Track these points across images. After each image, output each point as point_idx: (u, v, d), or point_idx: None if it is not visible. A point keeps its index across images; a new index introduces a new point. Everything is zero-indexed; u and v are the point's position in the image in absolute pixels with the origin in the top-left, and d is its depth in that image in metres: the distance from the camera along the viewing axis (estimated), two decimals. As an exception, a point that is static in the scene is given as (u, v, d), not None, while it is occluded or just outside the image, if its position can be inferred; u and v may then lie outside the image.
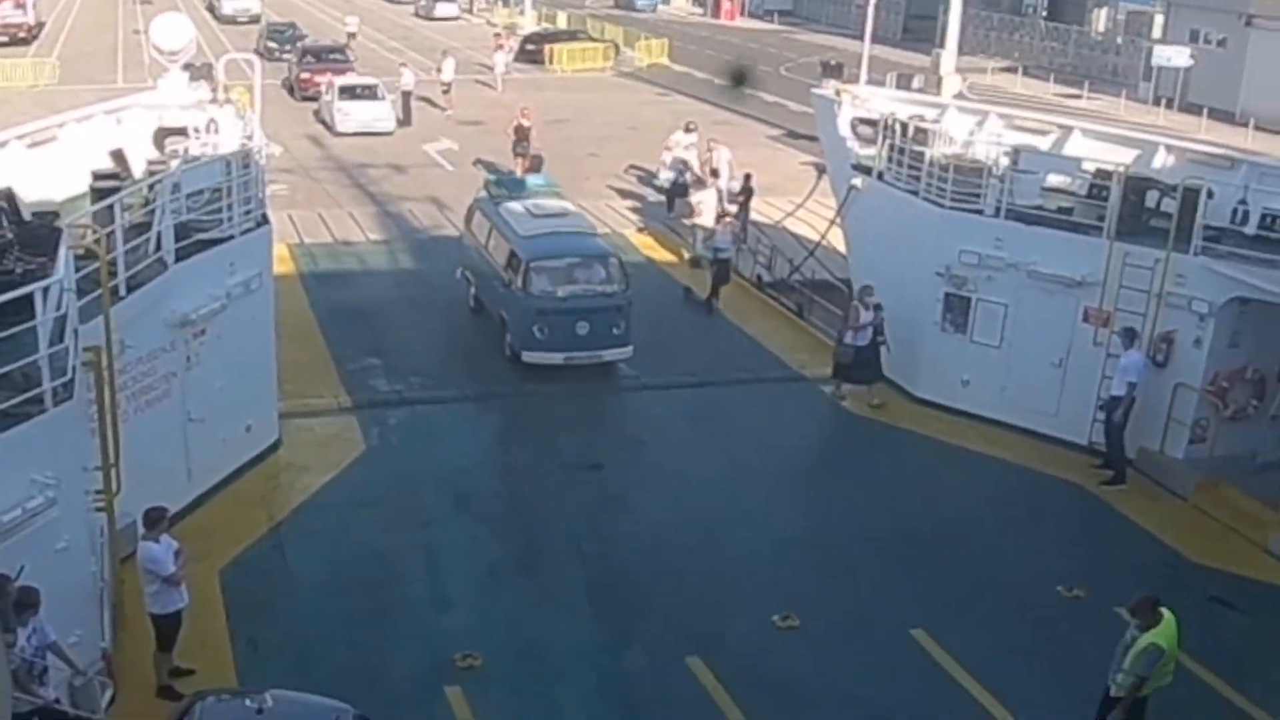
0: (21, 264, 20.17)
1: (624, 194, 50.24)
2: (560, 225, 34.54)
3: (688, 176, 46.75)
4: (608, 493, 26.76)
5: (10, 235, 21.15)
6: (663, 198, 47.80)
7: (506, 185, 38.40)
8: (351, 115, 61.27)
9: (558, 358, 31.85)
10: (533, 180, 39.56)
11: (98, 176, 24.15)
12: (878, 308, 30.60)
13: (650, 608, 23.01)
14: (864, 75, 38.24)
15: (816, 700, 20.68)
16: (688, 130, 48.72)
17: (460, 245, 38.20)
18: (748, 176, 44.33)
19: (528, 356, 31.92)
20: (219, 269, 24.83)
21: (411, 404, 30.57)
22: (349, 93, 62.73)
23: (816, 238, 39.56)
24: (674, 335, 35.43)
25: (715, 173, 44.84)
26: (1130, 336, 27.46)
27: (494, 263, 34.18)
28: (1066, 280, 28.90)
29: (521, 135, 50.93)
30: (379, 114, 61.85)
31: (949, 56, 67.84)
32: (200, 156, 26.47)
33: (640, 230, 45.68)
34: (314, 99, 66.10)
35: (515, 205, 35.34)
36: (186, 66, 29.99)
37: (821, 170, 39.30)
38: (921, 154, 31.12)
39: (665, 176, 47.62)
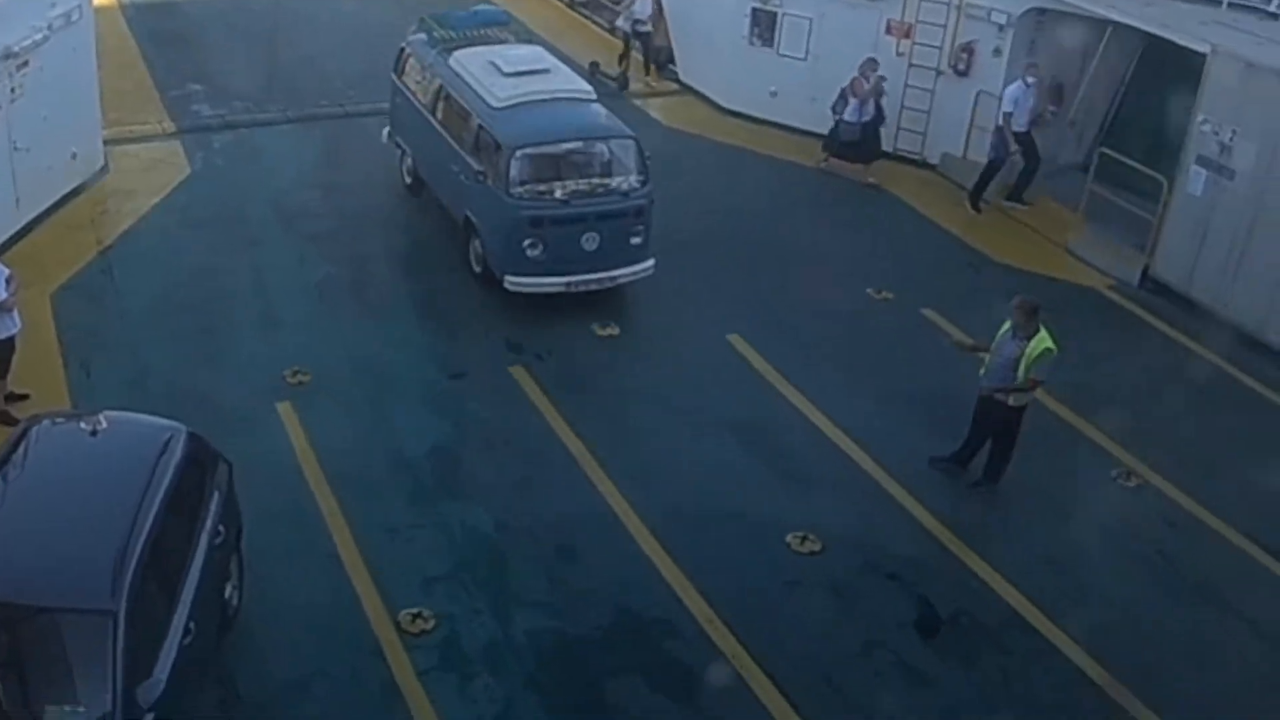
0: None
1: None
2: (546, 88, 23.85)
3: None
4: (431, 212, 26.09)
5: None
6: None
7: (453, 24, 26.29)
8: None
9: (558, 283, 22.53)
10: (484, 10, 27.83)
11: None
12: (881, 78, 28.00)
13: (474, 320, 22.74)
14: None
15: (634, 403, 20.67)
16: None
17: (390, 102, 27.48)
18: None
19: (514, 283, 22.53)
20: (39, 1, 23.87)
21: (235, 128, 29.46)
22: None
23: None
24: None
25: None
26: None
27: (449, 140, 24.24)
28: (835, -6, 28.67)
29: None
30: None
31: None
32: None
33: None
34: None
35: (473, 55, 24.90)
36: None
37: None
38: None
39: None
